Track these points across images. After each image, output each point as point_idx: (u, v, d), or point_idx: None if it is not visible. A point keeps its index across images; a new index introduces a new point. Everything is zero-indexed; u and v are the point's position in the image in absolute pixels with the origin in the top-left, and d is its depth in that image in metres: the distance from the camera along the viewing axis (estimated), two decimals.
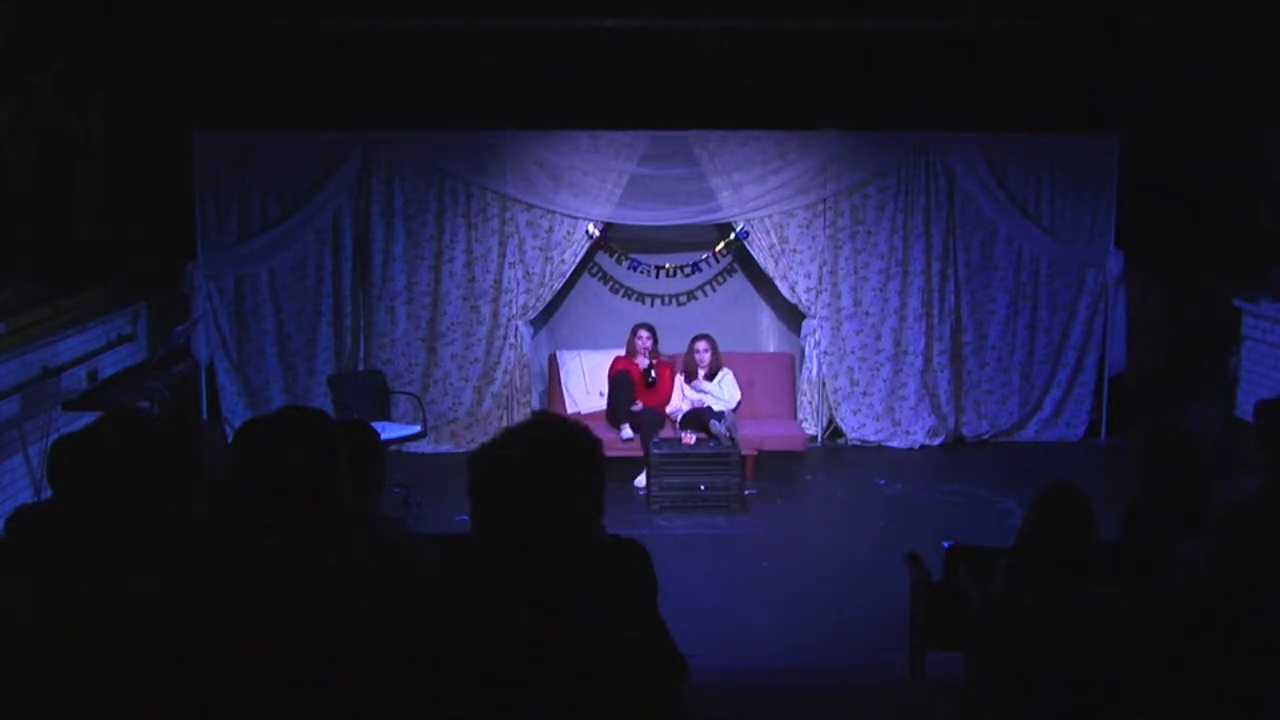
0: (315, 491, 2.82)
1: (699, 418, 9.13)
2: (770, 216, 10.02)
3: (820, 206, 10.05)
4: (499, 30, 9.58)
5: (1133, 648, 3.62)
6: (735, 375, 9.53)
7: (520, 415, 9.87)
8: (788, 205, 10.00)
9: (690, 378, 9.46)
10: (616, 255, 10.40)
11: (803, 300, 10.12)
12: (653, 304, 10.53)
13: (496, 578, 2.64)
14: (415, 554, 3.10)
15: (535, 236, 9.98)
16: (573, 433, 2.68)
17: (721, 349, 9.58)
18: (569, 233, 9.98)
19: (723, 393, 9.36)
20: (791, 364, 10.28)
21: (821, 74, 9.78)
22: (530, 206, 9.94)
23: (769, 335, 10.72)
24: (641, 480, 8.95)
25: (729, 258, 10.53)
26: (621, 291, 10.56)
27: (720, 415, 9.07)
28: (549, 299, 10.16)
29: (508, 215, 9.95)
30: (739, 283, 10.63)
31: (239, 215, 9.80)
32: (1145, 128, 10.01)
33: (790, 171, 9.93)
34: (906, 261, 10.11)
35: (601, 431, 8.84)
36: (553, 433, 2.68)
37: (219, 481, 3.97)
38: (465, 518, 2.77)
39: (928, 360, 10.20)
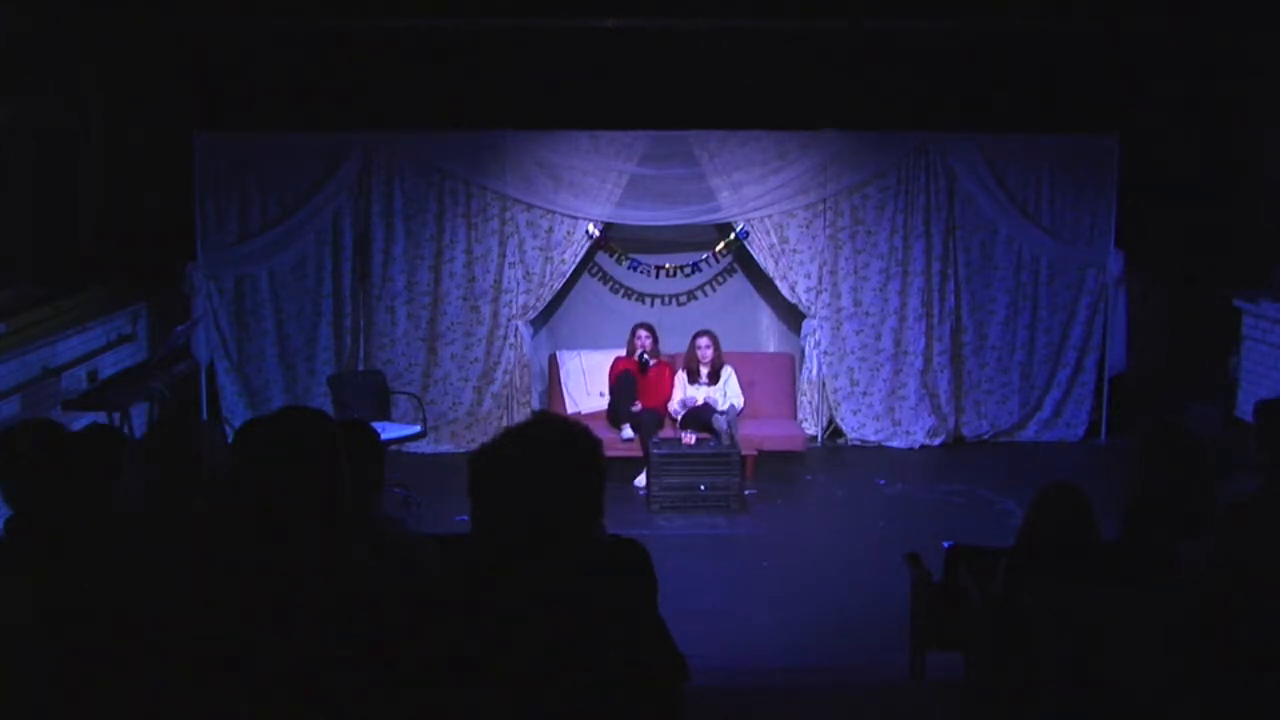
0: (315, 492, 2.82)
1: (699, 417, 9.13)
2: (770, 216, 10.02)
3: (820, 206, 10.05)
4: (499, 30, 9.58)
5: (1133, 648, 3.62)
6: (736, 375, 9.51)
7: (520, 415, 9.87)
8: (788, 205, 10.00)
9: (693, 377, 9.41)
10: (616, 255, 10.40)
11: (803, 300, 10.12)
12: (653, 304, 10.53)
13: (496, 578, 2.64)
14: (415, 554, 3.10)
15: (535, 236, 9.98)
16: (573, 433, 2.68)
17: (722, 349, 9.56)
18: (569, 233, 9.99)
19: (726, 399, 9.32)
20: (791, 364, 10.28)
21: (821, 74, 9.79)
22: (530, 206, 9.94)
23: (769, 335, 10.72)
24: (641, 480, 8.95)
25: (729, 258, 10.53)
26: (621, 291, 10.56)
27: (721, 411, 9.06)
28: (549, 299, 10.16)
29: (508, 215, 9.95)
30: (739, 283, 10.63)
31: (239, 215, 9.80)
32: (1145, 128, 10.01)
33: (790, 171, 9.93)
34: (906, 261, 10.11)
35: (601, 431, 8.84)
36: (553, 433, 2.68)
37: (219, 481, 3.98)
38: (465, 518, 2.77)
39: (928, 360, 10.20)
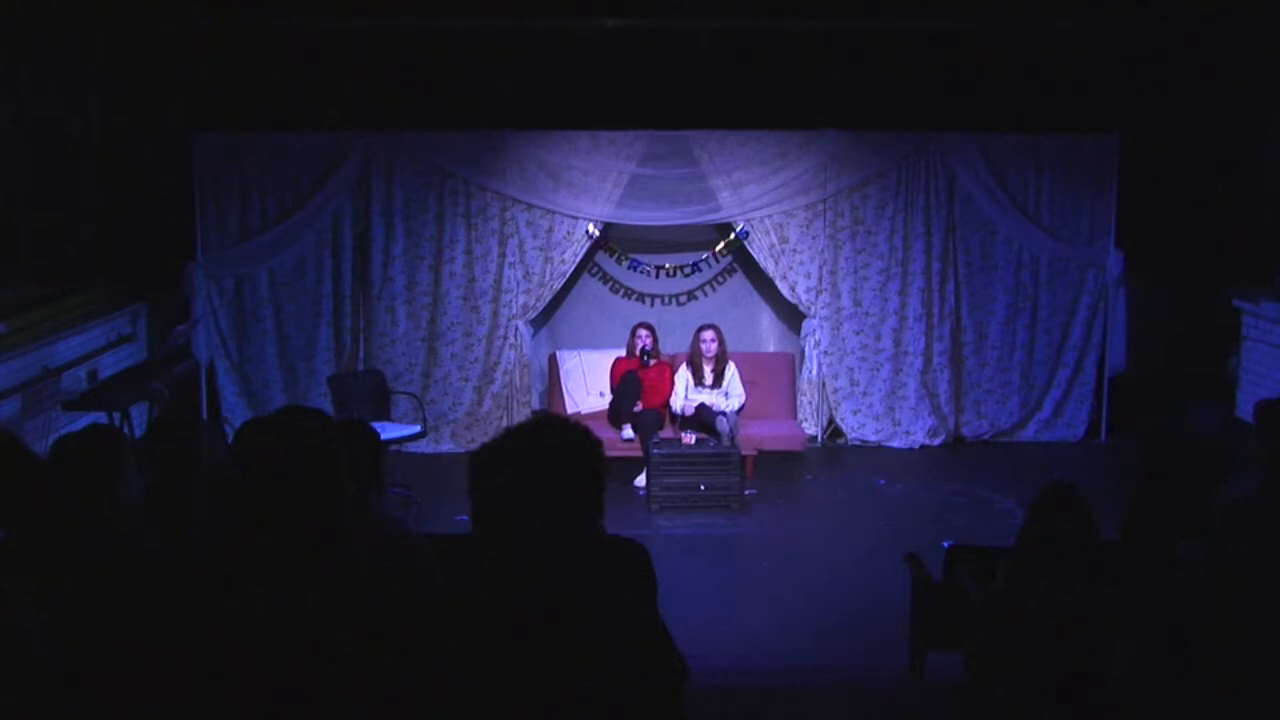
0: (315, 492, 2.82)
1: (701, 417, 9.12)
2: (770, 216, 10.02)
3: (820, 206, 10.05)
4: (499, 30, 9.58)
5: (1133, 648, 3.62)
6: (738, 372, 9.50)
7: (520, 415, 9.87)
8: (788, 205, 10.00)
9: (698, 377, 9.37)
10: (616, 255, 10.40)
11: (803, 300, 10.13)
12: (653, 304, 10.53)
13: (496, 578, 2.64)
14: (415, 554, 3.10)
15: (535, 236, 9.98)
16: (573, 433, 2.68)
17: (726, 343, 9.51)
18: (569, 233, 9.99)
19: (730, 400, 9.31)
20: (791, 364, 10.28)
21: (821, 74, 9.78)
22: (530, 206, 9.94)
23: (769, 335, 10.72)
24: (641, 480, 8.94)
25: (729, 258, 10.53)
26: (621, 291, 10.56)
27: (724, 412, 9.06)
28: (549, 299, 10.16)
29: (508, 215, 9.95)
30: (739, 283, 10.63)
31: (239, 215, 9.80)
32: (1145, 128, 10.01)
33: (790, 171, 9.94)
34: (906, 261, 10.11)
35: (602, 431, 8.84)
36: (553, 433, 2.68)
37: (219, 481, 3.98)
38: (465, 518, 2.77)
39: (928, 360, 10.21)
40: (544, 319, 10.48)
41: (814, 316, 10.13)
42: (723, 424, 8.91)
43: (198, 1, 9.14)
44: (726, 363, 9.38)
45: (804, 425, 10.06)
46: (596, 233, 10.01)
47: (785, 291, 10.15)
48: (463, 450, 9.67)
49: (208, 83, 9.48)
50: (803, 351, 10.25)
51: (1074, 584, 3.73)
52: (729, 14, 9.51)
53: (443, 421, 10.00)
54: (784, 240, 10.06)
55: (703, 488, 8.59)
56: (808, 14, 9.42)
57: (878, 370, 10.22)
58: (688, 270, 10.48)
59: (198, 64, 9.41)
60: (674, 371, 9.50)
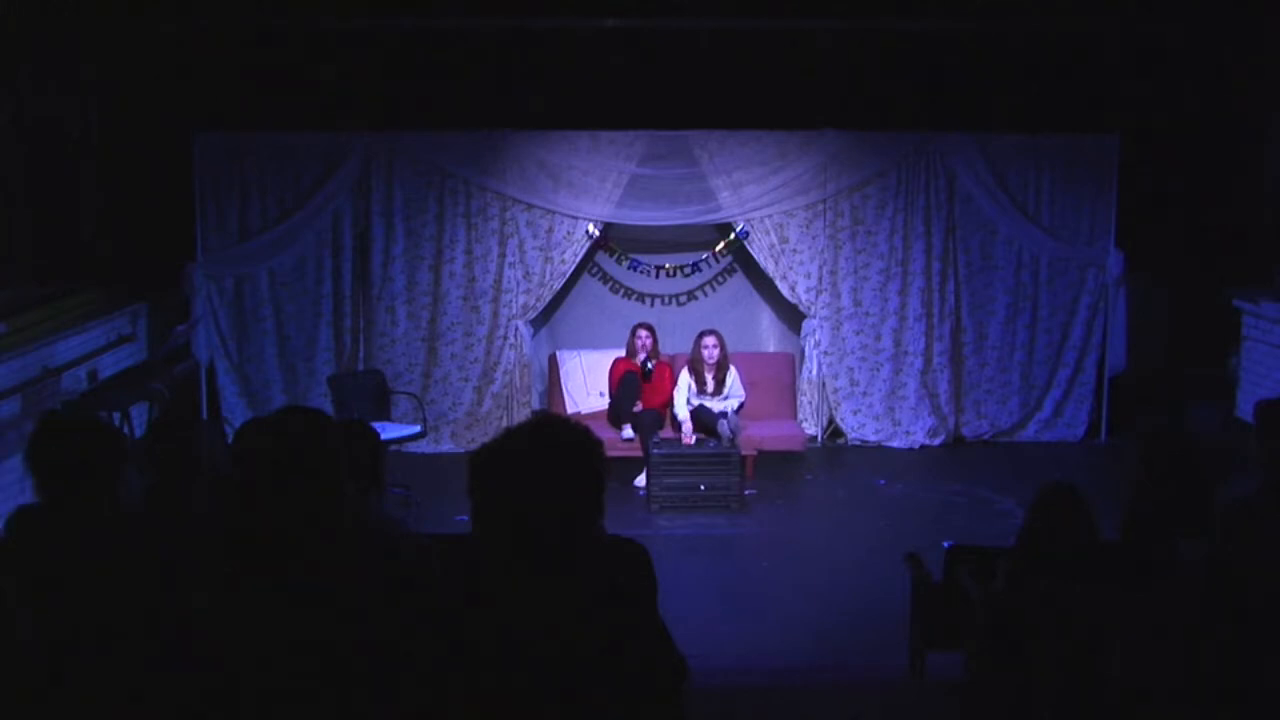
0: (315, 492, 2.82)
1: (702, 418, 9.12)
2: (770, 216, 10.02)
3: (820, 206, 10.05)
4: (499, 30, 9.57)
5: (1133, 648, 3.62)
6: (740, 376, 9.49)
7: (520, 415, 9.87)
8: (788, 205, 10.00)
9: (700, 384, 9.35)
10: (616, 255, 10.40)
11: (803, 300, 10.12)
12: (653, 304, 10.53)
13: (496, 577, 2.64)
14: (415, 554, 3.10)
15: (535, 236, 9.98)
16: (573, 433, 2.68)
17: (728, 348, 9.50)
18: (569, 233, 9.98)
19: (729, 400, 9.30)
20: (791, 364, 10.28)
21: (821, 74, 9.78)
22: (530, 206, 9.94)
23: (769, 335, 10.72)
24: (641, 480, 8.94)
25: (729, 258, 10.53)
26: (621, 291, 10.56)
27: (725, 414, 9.05)
28: (549, 299, 10.16)
29: (508, 215, 9.95)
30: (739, 283, 10.63)
31: (239, 215, 9.80)
32: (1145, 128, 10.01)
33: (790, 171, 9.93)
34: (906, 261, 10.11)
35: (602, 431, 8.83)
36: (553, 433, 2.68)
37: (219, 481, 3.98)
38: (465, 518, 2.77)
39: (928, 360, 10.20)
40: (544, 319, 10.48)
41: (814, 316, 10.13)
42: (724, 426, 8.91)
43: (198, 1, 9.14)
44: (728, 368, 9.36)
45: (804, 425, 10.06)
46: (596, 233, 10.00)
47: (785, 291, 10.15)
48: (463, 450, 9.67)
49: (208, 83, 9.47)
50: (803, 351, 10.24)
51: (1074, 584, 3.73)
52: (729, 14, 9.50)
53: (443, 421, 10.00)
54: (784, 240, 10.06)
55: (703, 488, 8.59)
56: (808, 14, 9.42)
57: (878, 370, 10.22)
58: (688, 270, 10.47)
59: (198, 64, 9.40)
60: (673, 371, 9.49)
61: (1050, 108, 9.99)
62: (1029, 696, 3.70)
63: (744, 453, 8.87)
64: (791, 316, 10.44)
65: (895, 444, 10.20)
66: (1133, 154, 10.03)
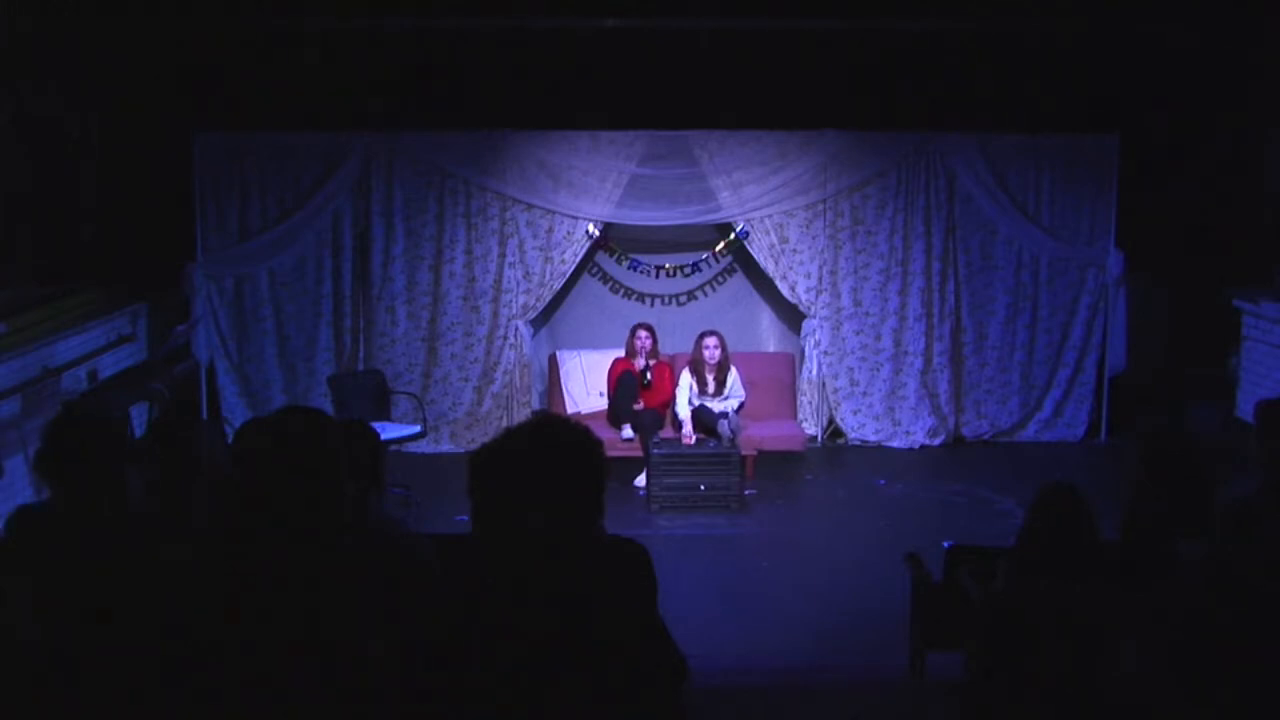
0: (315, 492, 2.82)
1: (702, 419, 9.12)
2: (770, 216, 10.02)
3: (820, 206, 10.05)
4: (499, 30, 9.57)
5: (1133, 648, 3.62)
6: (740, 376, 9.49)
7: (520, 415, 9.88)
8: (788, 205, 10.00)
9: (701, 386, 9.35)
10: (616, 255, 10.40)
11: (803, 300, 10.12)
12: (653, 304, 10.53)
13: (496, 578, 2.64)
14: (415, 554, 3.10)
15: (535, 236, 9.98)
16: (573, 433, 2.68)
17: (729, 349, 9.50)
18: (569, 233, 9.98)
19: (729, 400, 9.30)
20: (791, 364, 10.28)
21: (821, 74, 9.78)
22: (530, 206, 9.94)
23: (769, 335, 10.72)
24: (641, 480, 8.94)
25: (729, 258, 10.53)
26: (621, 291, 10.56)
27: (725, 414, 9.05)
28: (549, 299, 10.16)
29: (508, 215, 9.95)
30: (739, 283, 10.63)
31: (239, 215, 9.81)
32: (1145, 128, 10.01)
33: (790, 171, 9.94)
34: (906, 261, 10.11)
35: (602, 431, 8.83)
36: (553, 433, 2.68)
37: (219, 481, 3.98)
38: (465, 518, 2.77)
39: (928, 360, 10.21)
40: (544, 319, 10.48)
41: (814, 316, 10.13)
42: (724, 427, 8.91)
43: (198, 2, 9.13)
44: (729, 369, 9.37)
45: (804, 425, 10.06)
46: (596, 233, 10.01)
47: (785, 291, 10.15)
48: (463, 450, 9.67)
49: (208, 83, 9.47)
50: (803, 351, 10.24)
51: (1074, 584, 3.73)
52: (729, 14, 9.50)
53: (443, 421, 10.00)
54: (784, 240, 10.06)
55: (703, 488, 8.59)
56: (808, 14, 9.42)
57: (878, 370, 10.22)
58: (688, 270, 10.48)
59: (198, 64, 9.40)
60: (673, 371, 9.50)
61: (1050, 108, 9.99)
62: (1029, 696, 3.70)
63: (744, 453, 8.87)
64: (791, 316, 10.44)
65: (895, 444, 10.20)
66: (1133, 154, 10.03)
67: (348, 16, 9.36)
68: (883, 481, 9.33)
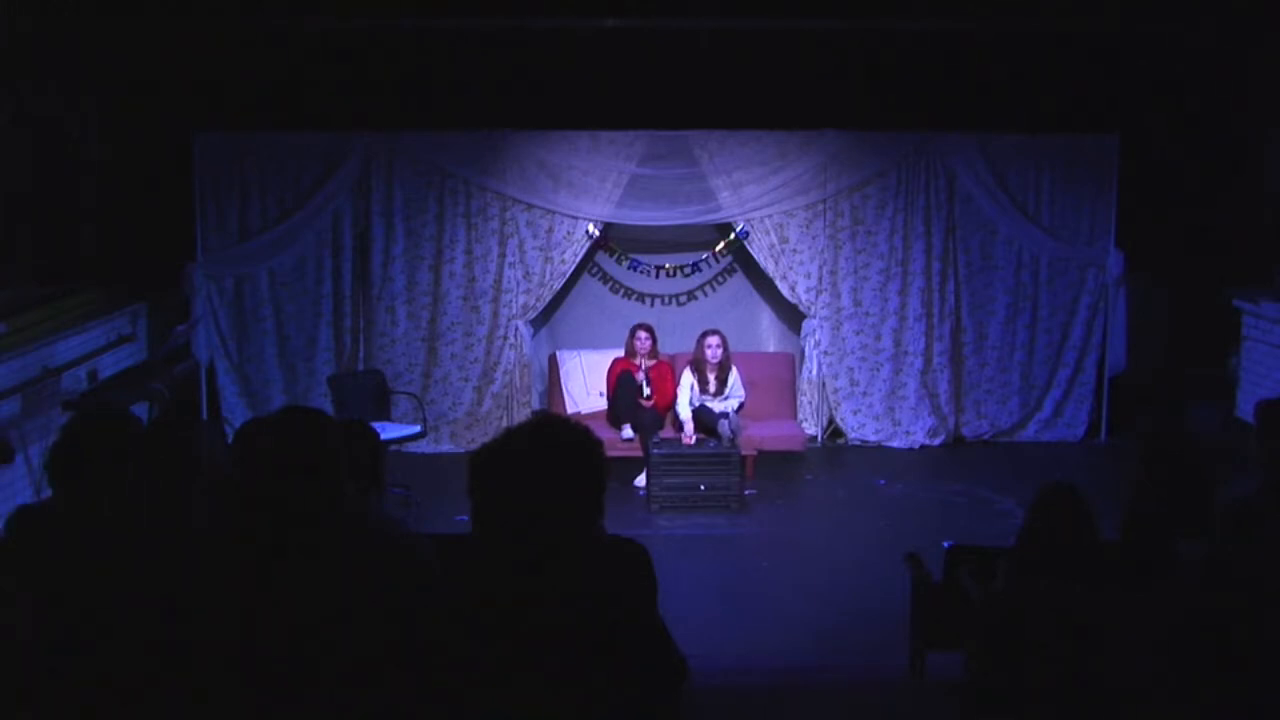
0: (315, 491, 2.82)
1: (702, 419, 9.12)
2: (770, 216, 10.02)
3: (820, 206, 10.05)
4: (499, 30, 9.57)
5: (1133, 648, 3.62)
6: (740, 376, 9.49)
7: (520, 415, 9.87)
8: (788, 205, 10.00)
9: (703, 385, 9.35)
10: (616, 255, 10.40)
11: (803, 300, 10.12)
12: (653, 304, 10.53)
13: (496, 577, 2.64)
14: (415, 554, 3.10)
15: (535, 236, 9.98)
16: (574, 433, 2.68)
17: (730, 349, 9.50)
18: (569, 233, 9.98)
19: (729, 400, 9.30)
20: (791, 364, 10.28)
21: (821, 74, 9.78)
22: (530, 206, 9.94)
23: (769, 335, 10.72)
24: (641, 480, 8.94)
25: (729, 258, 10.53)
26: (621, 291, 10.56)
27: (726, 414, 9.05)
28: (549, 299, 10.16)
29: (508, 215, 9.96)
30: (739, 283, 10.63)
31: (239, 215, 9.81)
32: (1145, 128, 10.01)
33: (790, 171, 9.93)
34: (906, 261, 10.11)
35: (602, 431, 8.83)
36: (553, 433, 2.69)
37: (219, 481, 3.97)
38: (465, 518, 2.77)
39: (928, 360, 10.21)
40: (544, 319, 10.48)
41: (814, 316, 10.13)
42: (724, 427, 8.91)
43: (198, 2, 9.13)
44: (730, 368, 9.37)
45: (804, 425, 10.06)
46: (596, 233, 10.01)
47: (785, 291, 10.15)
48: (463, 450, 9.67)
49: (208, 83, 9.47)
50: (803, 351, 10.24)
51: (1074, 584, 3.73)
52: (729, 14, 9.50)
53: (443, 421, 10.00)
54: (784, 240, 10.06)
55: (703, 488, 8.59)
56: (808, 14, 9.42)
57: (878, 370, 10.22)
58: (688, 270, 10.48)
59: (198, 64, 9.40)
60: (674, 370, 9.50)
61: (1050, 108, 9.99)
62: (1029, 696, 3.70)
63: (744, 453, 8.87)
64: (791, 316, 10.44)
65: (895, 444, 10.20)
66: (1133, 154, 10.03)
67: (348, 16, 9.35)
68: (883, 481, 9.33)
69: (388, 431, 8.47)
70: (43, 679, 2.98)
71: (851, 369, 10.22)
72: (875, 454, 10.06)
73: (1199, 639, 3.57)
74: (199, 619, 2.75)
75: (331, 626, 2.73)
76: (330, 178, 9.80)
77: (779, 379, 10.09)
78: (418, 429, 9.12)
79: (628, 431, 9.15)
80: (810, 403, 10.19)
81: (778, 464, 9.44)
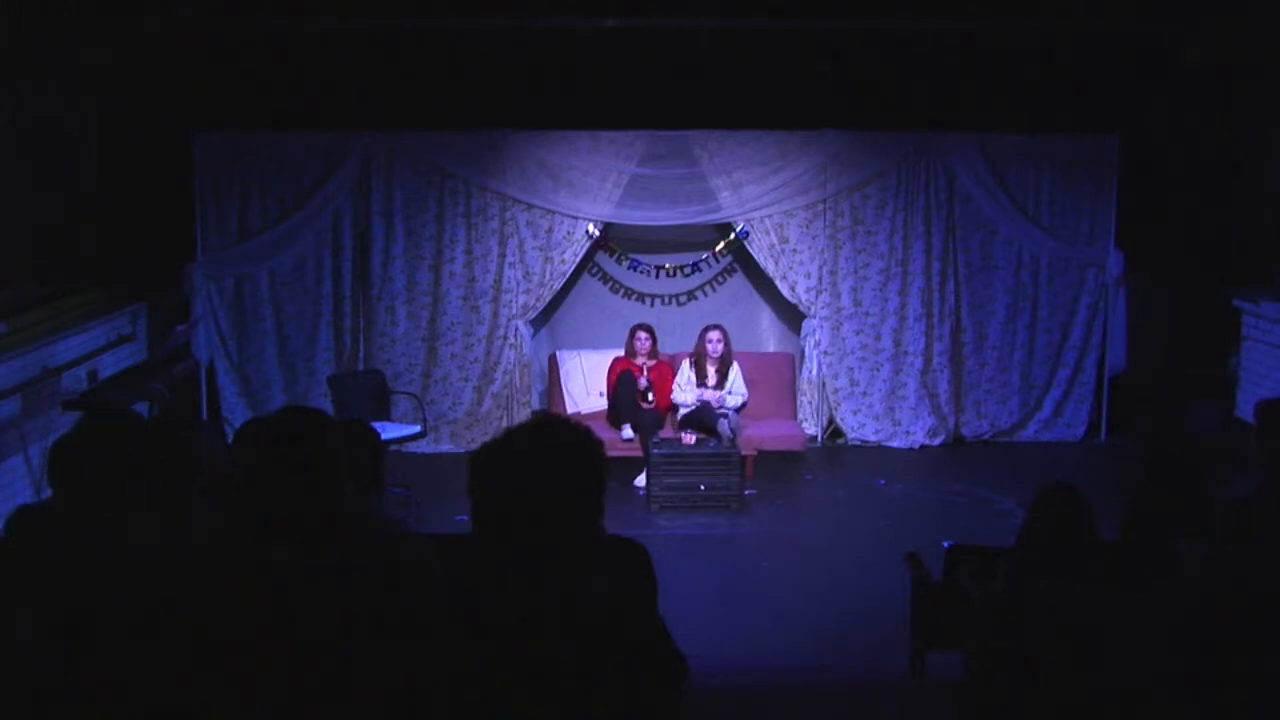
0: (315, 491, 2.82)
1: (702, 418, 9.12)
2: (770, 216, 10.02)
3: (820, 206, 10.05)
4: (499, 30, 9.57)
5: (1133, 648, 3.62)
6: (742, 372, 9.49)
7: (520, 415, 9.88)
8: (788, 205, 10.00)
9: (701, 373, 9.36)
10: (616, 255, 10.40)
11: (803, 300, 10.12)
12: (653, 304, 10.53)
13: (496, 578, 2.64)
14: (415, 554, 3.10)
15: (535, 236, 9.98)
16: (574, 433, 2.68)
17: (731, 344, 9.50)
18: (569, 233, 9.99)
19: (731, 397, 9.31)
20: (791, 364, 10.28)
21: (822, 74, 9.78)
22: (530, 206, 9.94)
23: (769, 335, 10.72)
24: (641, 480, 8.94)
25: (729, 258, 10.54)
26: (621, 291, 10.56)
27: (726, 415, 9.06)
28: (549, 299, 10.16)
29: (508, 215, 9.96)
30: (739, 283, 10.63)
31: (239, 215, 9.81)
32: (1145, 128, 10.01)
33: (790, 171, 9.94)
34: (906, 261, 10.11)
35: (602, 431, 8.83)
36: (553, 433, 2.68)
37: (219, 481, 3.98)
38: (465, 518, 2.77)
39: (928, 360, 10.21)
40: (544, 319, 10.48)
41: (814, 316, 10.13)
42: (724, 427, 8.92)
43: (198, 1, 9.13)
44: (731, 364, 9.37)
45: (804, 425, 10.06)
46: (596, 233, 10.01)
47: (785, 291, 10.15)
48: (463, 450, 9.67)
49: (208, 83, 9.47)
50: (803, 351, 10.25)
51: (1074, 584, 3.73)
52: (729, 14, 9.50)
53: (443, 421, 10.00)
54: (784, 240, 10.06)
55: (703, 488, 8.59)
56: (808, 14, 9.42)
57: (878, 370, 10.22)
58: (688, 270, 10.48)
59: (198, 64, 9.40)
60: (674, 371, 9.51)
61: (1050, 108, 9.99)
62: (1029, 696, 3.70)
63: (744, 453, 8.87)
64: (791, 316, 10.44)
65: (895, 444, 10.20)
66: (1133, 154, 10.03)
67: (348, 16, 9.36)
68: (883, 481, 9.33)
69: (388, 431, 8.47)
70: (43, 679, 2.98)
71: (851, 369, 10.22)
72: (875, 454, 10.06)
73: (1199, 639, 3.57)
74: (199, 620, 2.75)
75: (331, 626, 2.73)
76: (330, 178, 9.80)
77: (779, 379, 10.09)
78: (418, 429, 9.12)
79: (628, 431, 9.15)
80: (810, 403, 10.19)
81: (778, 464, 9.44)
